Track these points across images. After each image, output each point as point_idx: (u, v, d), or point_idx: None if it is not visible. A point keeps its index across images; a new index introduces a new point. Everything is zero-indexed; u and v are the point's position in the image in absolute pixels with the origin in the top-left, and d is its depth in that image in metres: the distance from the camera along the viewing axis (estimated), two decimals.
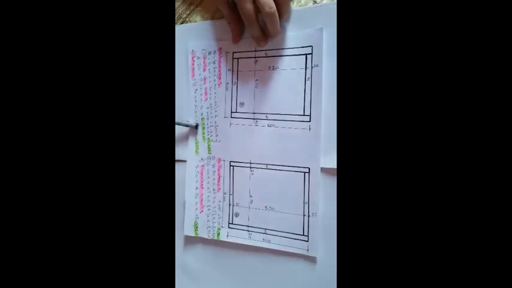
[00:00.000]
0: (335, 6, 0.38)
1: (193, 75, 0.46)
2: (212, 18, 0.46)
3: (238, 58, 0.43)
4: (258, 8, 0.37)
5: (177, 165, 0.47)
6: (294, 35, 0.40)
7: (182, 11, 0.49)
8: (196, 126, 0.45)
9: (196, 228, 0.46)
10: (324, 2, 0.40)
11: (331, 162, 0.39)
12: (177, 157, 0.47)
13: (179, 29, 0.47)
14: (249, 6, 0.37)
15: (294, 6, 0.42)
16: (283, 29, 0.40)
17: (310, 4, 0.41)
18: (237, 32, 0.41)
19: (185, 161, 0.47)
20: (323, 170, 0.39)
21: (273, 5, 0.36)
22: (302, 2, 0.42)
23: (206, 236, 0.45)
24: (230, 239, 0.44)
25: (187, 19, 0.48)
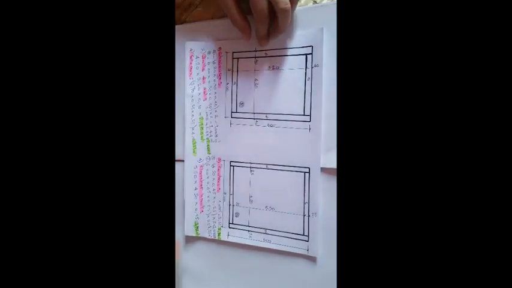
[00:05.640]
0: (335, 6, 0.37)
1: (191, 74, 0.45)
2: (212, 18, 0.46)
3: (238, 58, 0.43)
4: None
5: (176, 164, 0.47)
6: (294, 35, 0.40)
7: (182, 11, 0.48)
8: None
9: (197, 228, 0.46)
10: (324, 1, 0.40)
11: (331, 162, 0.38)
12: (176, 156, 0.47)
13: (179, 29, 0.46)
14: (264, 2, 0.36)
15: None
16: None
17: (310, 4, 0.41)
18: (248, 29, 0.40)
19: (183, 160, 0.47)
20: (323, 170, 0.39)
21: (287, 0, 0.35)
22: (302, 2, 0.42)
23: (207, 236, 0.46)
24: (231, 239, 0.44)
25: (187, 19, 0.48)
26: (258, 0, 0.36)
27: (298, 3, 0.42)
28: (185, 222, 0.46)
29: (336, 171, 0.38)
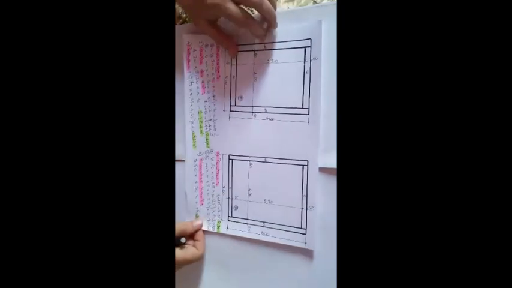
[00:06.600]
0: (335, 6, 0.37)
1: (189, 67, 0.45)
2: None
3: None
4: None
5: (176, 164, 0.47)
6: (292, 28, 0.40)
7: (182, 11, 0.49)
8: None
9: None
10: (324, 1, 0.41)
11: (330, 156, 0.39)
12: (176, 156, 0.47)
13: (179, 28, 0.46)
14: (237, 9, 0.37)
15: (293, 6, 0.42)
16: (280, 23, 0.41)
17: (310, 4, 0.42)
18: (233, 46, 0.42)
19: (183, 160, 0.47)
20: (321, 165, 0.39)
21: None
22: (302, 2, 0.42)
23: (207, 229, 0.46)
24: (230, 232, 0.44)
25: (187, 19, 0.49)
26: (232, 11, 0.37)
27: (298, 3, 0.42)
28: (186, 215, 0.47)
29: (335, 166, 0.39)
